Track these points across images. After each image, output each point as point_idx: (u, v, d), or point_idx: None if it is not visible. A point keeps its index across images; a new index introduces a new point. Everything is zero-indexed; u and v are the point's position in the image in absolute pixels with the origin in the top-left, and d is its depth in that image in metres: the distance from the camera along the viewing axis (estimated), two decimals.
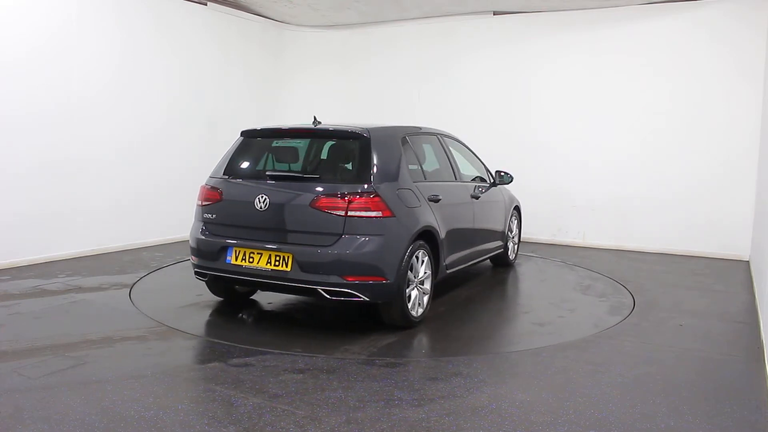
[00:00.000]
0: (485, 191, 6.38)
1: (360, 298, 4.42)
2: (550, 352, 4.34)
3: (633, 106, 8.46)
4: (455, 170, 5.93)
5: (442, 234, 5.14)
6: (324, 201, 4.45)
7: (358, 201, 4.43)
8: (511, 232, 7.22)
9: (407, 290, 4.67)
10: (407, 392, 3.55)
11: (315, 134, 5.13)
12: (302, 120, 5.80)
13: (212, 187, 4.97)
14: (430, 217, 4.97)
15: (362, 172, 4.62)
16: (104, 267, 6.67)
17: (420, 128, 5.85)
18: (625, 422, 3.20)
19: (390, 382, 3.70)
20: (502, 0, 8.65)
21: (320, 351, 4.24)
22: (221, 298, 5.53)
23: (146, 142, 7.94)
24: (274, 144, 5.20)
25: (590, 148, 8.75)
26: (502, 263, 7.25)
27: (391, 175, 4.75)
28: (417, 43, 9.79)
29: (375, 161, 4.65)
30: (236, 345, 4.31)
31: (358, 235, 4.40)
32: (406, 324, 4.74)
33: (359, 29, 10.19)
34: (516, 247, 7.50)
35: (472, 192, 6.02)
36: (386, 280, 4.46)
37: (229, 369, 3.85)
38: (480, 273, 6.98)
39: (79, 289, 5.69)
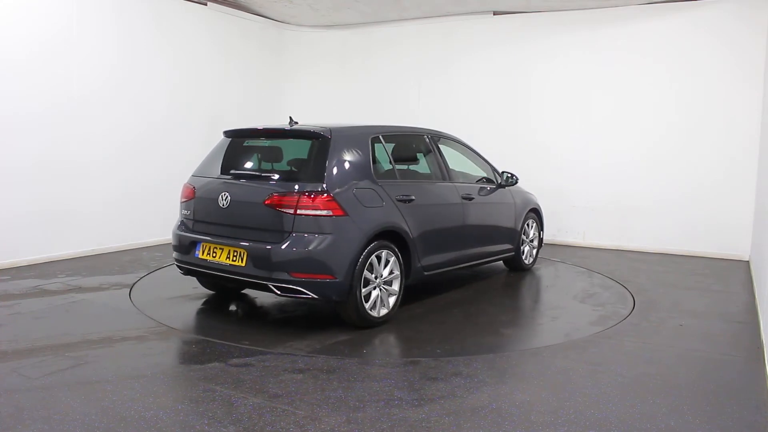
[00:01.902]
0: (487, 193, 6.30)
1: (308, 295, 4.45)
2: (550, 352, 4.34)
3: (633, 106, 8.45)
4: (444, 170, 5.81)
5: (414, 234, 5.10)
6: (275, 199, 4.54)
7: (307, 199, 4.48)
8: (527, 235, 7.03)
9: (366, 290, 4.66)
10: (407, 392, 3.54)
11: (282, 134, 5.21)
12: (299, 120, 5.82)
13: (190, 185, 5.16)
14: (396, 217, 4.94)
15: (316, 171, 4.66)
16: (104, 267, 6.67)
17: (402, 128, 5.83)
18: (625, 422, 3.20)
19: (390, 382, 3.70)
20: (502, 0, 8.65)
21: (264, 345, 4.30)
22: (213, 292, 5.68)
23: (146, 142, 7.94)
24: (246, 144, 5.34)
25: (590, 148, 8.74)
26: (517, 267, 7.03)
27: (350, 174, 4.76)
28: (417, 43, 9.79)
29: (332, 160, 4.68)
30: (236, 345, 4.31)
31: (307, 233, 4.45)
32: (363, 324, 4.72)
33: (359, 29, 10.19)
34: (535, 251, 7.24)
35: (463, 193, 5.87)
36: (335, 278, 4.47)
37: (229, 369, 3.85)
38: (488, 276, 6.90)
39: (79, 289, 5.69)
